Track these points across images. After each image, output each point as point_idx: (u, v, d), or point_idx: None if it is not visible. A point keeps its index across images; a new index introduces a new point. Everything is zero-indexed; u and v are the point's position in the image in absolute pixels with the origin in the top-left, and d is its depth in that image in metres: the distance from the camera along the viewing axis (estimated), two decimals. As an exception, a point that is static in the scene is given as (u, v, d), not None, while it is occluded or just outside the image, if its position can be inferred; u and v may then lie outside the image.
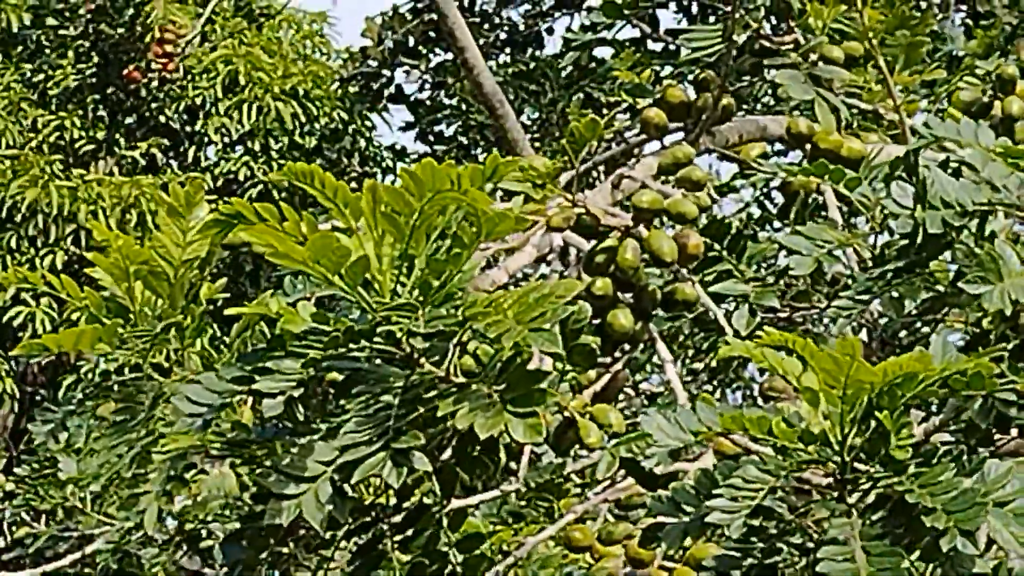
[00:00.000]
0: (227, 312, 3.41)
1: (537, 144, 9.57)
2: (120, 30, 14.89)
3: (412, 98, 11.48)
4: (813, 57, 4.23)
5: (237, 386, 3.10)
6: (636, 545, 3.66)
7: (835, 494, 3.08)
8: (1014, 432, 3.84)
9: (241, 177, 15.29)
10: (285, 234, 3.05)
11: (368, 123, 14.79)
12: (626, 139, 4.26)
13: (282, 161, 15.00)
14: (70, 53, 15.45)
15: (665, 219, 3.57)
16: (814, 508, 3.10)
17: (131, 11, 14.82)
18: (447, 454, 3.26)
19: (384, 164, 15.41)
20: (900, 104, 4.54)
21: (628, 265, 3.51)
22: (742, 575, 3.05)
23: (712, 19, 4.10)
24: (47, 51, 15.53)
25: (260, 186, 15.19)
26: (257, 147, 15.34)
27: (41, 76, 15.67)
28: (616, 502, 3.84)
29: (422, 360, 3.10)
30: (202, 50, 15.10)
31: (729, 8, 3.94)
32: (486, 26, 10.92)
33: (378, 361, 3.14)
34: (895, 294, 3.90)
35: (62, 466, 7.75)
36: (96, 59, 15.40)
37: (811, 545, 3.06)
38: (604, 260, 3.54)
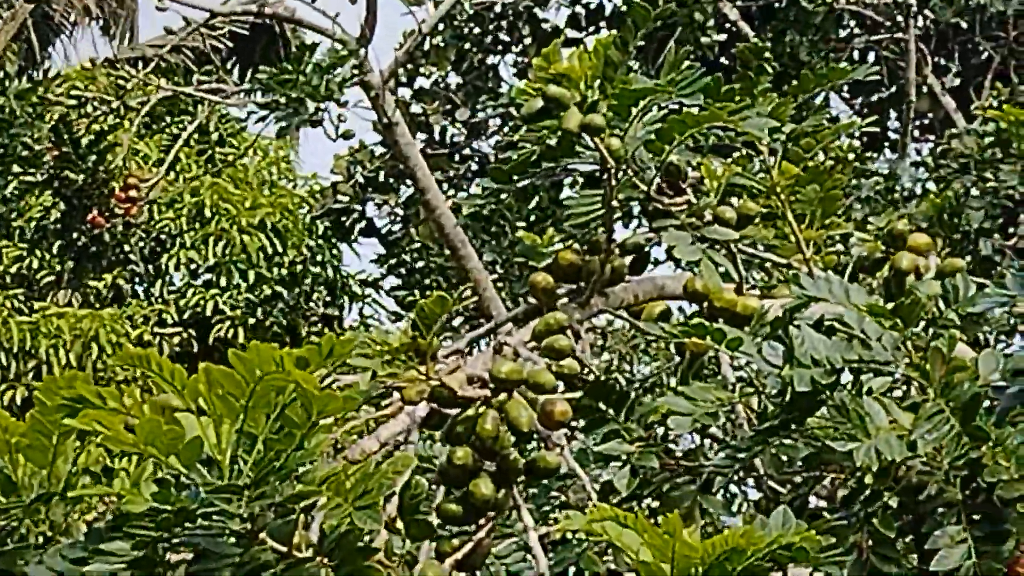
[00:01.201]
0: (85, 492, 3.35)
1: (499, 284, 9.49)
2: (83, 176, 14.96)
3: (383, 231, 11.46)
4: (708, 217, 4.15)
5: (75, 566, 3.05)
6: None
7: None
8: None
9: (208, 311, 15.20)
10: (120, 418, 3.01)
11: (336, 251, 14.65)
12: (527, 301, 4.19)
13: (248, 296, 14.96)
14: (33, 199, 15.57)
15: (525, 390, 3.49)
16: None
17: (94, 157, 14.89)
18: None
19: (351, 292, 15.29)
20: (808, 258, 4.47)
21: (487, 435, 3.45)
22: None
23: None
24: (14, 194, 15.63)
25: (228, 322, 15.12)
26: (223, 281, 15.17)
27: (4, 209, 15.76)
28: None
29: (262, 536, 3.04)
30: (168, 179, 15.00)
31: (606, 176, 3.88)
32: (456, 158, 10.94)
33: (221, 538, 3.07)
34: (774, 451, 3.82)
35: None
36: (60, 204, 15.48)
37: None
38: (464, 430, 3.48)
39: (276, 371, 2.96)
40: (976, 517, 3.46)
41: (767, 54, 4.59)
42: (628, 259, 4.17)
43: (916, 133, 10.51)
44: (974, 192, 7.68)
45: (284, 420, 3.03)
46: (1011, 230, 7.77)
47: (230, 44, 19.35)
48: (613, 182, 3.88)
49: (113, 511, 3.35)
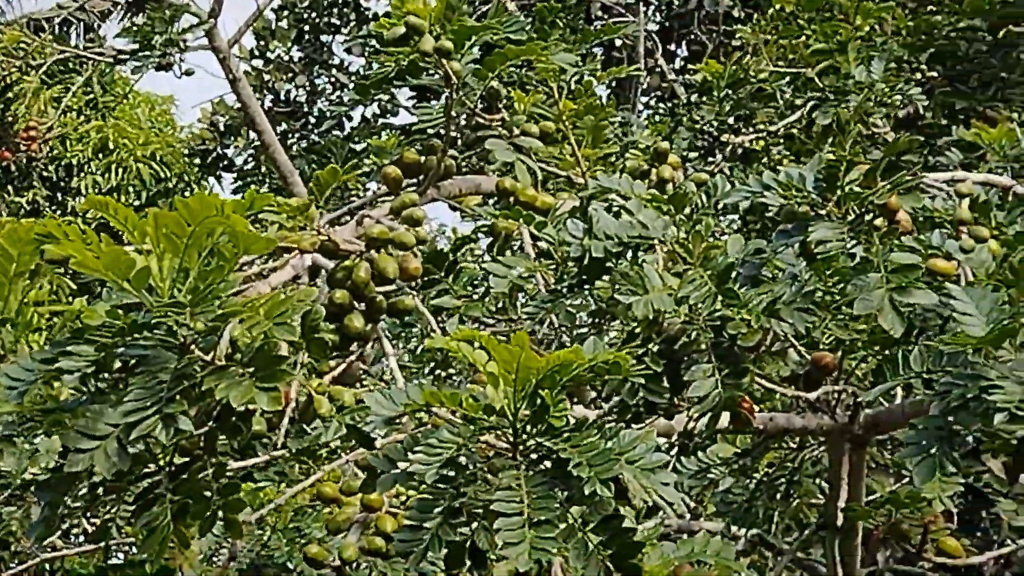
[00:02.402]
0: (49, 310, 3.38)
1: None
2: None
3: (239, 166, 11.66)
4: (516, 132, 4.29)
5: (45, 366, 3.08)
6: (369, 495, 3.68)
7: (510, 453, 3.12)
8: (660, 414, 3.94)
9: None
10: (87, 250, 3.03)
11: (206, 181, 14.86)
12: (374, 191, 4.29)
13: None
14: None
15: (391, 247, 3.59)
16: (495, 463, 3.14)
17: (1, 106, 14.88)
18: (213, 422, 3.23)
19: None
20: (585, 171, 4.65)
21: (361, 281, 3.53)
22: (436, 514, 3.08)
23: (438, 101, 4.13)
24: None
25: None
26: (123, 199, 15.40)
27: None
28: (356, 462, 3.87)
29: (193, 347, 3.10)
30: (78, 121, 15.30)
31: (448, 92, 3.98)
32: (297, 114, 11.16)
33: (159, 348, 3.12)
34: (569, 308, 3.97)
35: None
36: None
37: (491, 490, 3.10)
38: (343, 277, 3.56)
39: (214, 215, 3.02)
40: (722, 359, 3.61)
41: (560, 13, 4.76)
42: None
43: (650, 101, 11.06)
44: (683, 127, 8.01)
45: (215, 256, 3.10)
46: (709, 159, 8.09)
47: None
48: (454, 97, 4.00)
49: (71, 326, 3.38)
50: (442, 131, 4.05)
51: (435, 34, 3.96)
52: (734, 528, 5.60)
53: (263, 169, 10.60)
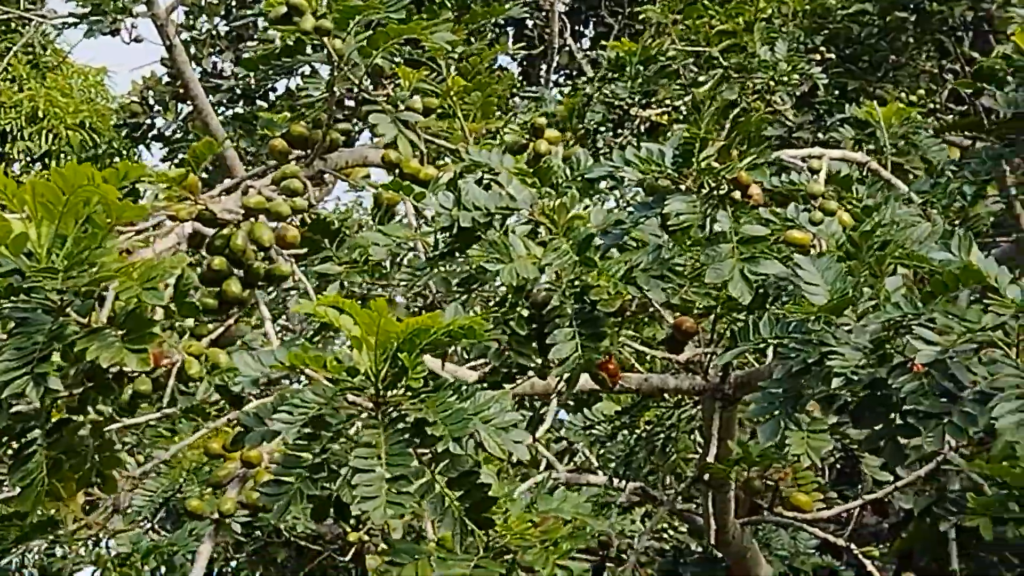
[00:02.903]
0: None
1: (251, 167, 9.66)
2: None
3: (168, 136, 11.59)
4: (401, 107, 4.27)
5: (-76, 328, 3.05)
6: (247, 450, 3.66)
7: (372, 412, 3.12)
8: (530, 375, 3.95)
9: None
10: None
11: (135, 151, 14.77)
12: (264, 162, 4.26)
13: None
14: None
15: (268, 216, 3.57)
16: (357, 421, 3.13)
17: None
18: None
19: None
20: (471, 144, 4.63)
21: (238, 248, 3.52)
22: (299, 469, 3.07)
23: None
24: None
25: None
26: (54, 164, 15.29)
27: None
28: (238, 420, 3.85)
29: (69, 310, 3.07)
30: (12, 89, 15.18)
31: (331, 70, 3.96)
32: (224, 85, 11.09)
33: (37, 311, 3.09)
34: (445, 275, 3.96)
35: None
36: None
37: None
38: (221, 244, 3.55)
39: (87, 184, 2.99)
40: (583, 323, 3.60)
41: (450, -6, 4.75)
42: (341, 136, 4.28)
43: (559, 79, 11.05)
44: (595, 101, 8.01)
45: (90, 224, 3.07)
46: (618, 130, 8.10)
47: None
48: (336, 74, 3.97)
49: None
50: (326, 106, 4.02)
51: (317, 13, 3.93)
52: (617, 481, 5.65)
53: (191, 137, 10.52)
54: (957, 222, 4.59)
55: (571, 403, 6.26)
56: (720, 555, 6.03)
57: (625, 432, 5.48)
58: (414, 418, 3.06)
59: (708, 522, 5.07)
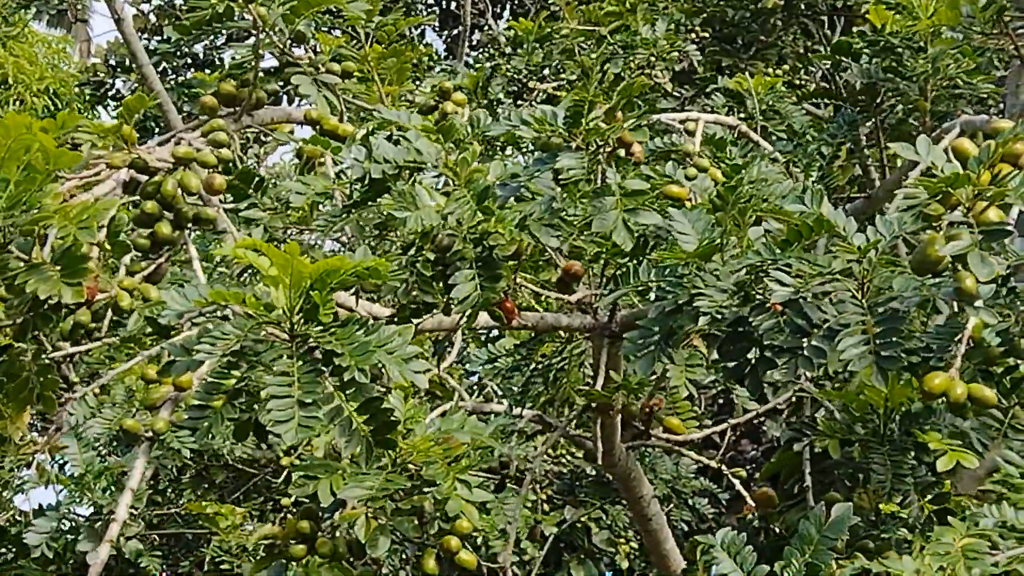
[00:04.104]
0: None
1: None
2: None
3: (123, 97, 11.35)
4: (321, 69, 4.15)
5: None
6: (177, 377, 3.54)
7: (287, 344, 3.03)
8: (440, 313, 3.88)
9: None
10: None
11: (95, 112, 14.43)
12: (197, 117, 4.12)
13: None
14: None
15: (196, 164, 3.45)
16: (274, 352, 3.04)
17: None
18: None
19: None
20: (387, 105, 4.52)
21: (168, 194, 3.40)
22: (220, 395, 2.98)
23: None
24: None
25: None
26: None
27: None
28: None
29: (11, 247, 2.95)
30: None
31: (255, 35, 3.83)
32: (177, 54, 10.83)
33: (-20, 250, 2.96)
34: (358, 220, 3.86)
35: None
36: None
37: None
38: (152, 190, 3.43)
39: (27, 133, 2.86)
40: (481, 265, 3.56)
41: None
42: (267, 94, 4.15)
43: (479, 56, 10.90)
44: (497, 74, 7.93)
45: (29, 169, 2.94)
46: (518, 102, 8.02)
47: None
48: (261, 38, 3.85)
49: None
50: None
51: (245, -18, 3.79)
52: (517, 409, 5.60)
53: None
54: (814, 179, 4.56)
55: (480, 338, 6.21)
56: (609, 476, 6.02)
57: (523, 365, 5.42)
58: (324, 350, 2.97)
59: (596, 445, 5.03)
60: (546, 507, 7.45)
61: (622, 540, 7.49)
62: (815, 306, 3.12)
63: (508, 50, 8.48)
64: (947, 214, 2.80)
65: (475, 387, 6.89)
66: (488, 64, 7.81)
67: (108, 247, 3.07)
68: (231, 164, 3.64)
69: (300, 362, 2.95)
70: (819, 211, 3.20)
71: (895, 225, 3.11)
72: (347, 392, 2.97)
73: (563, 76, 8.56)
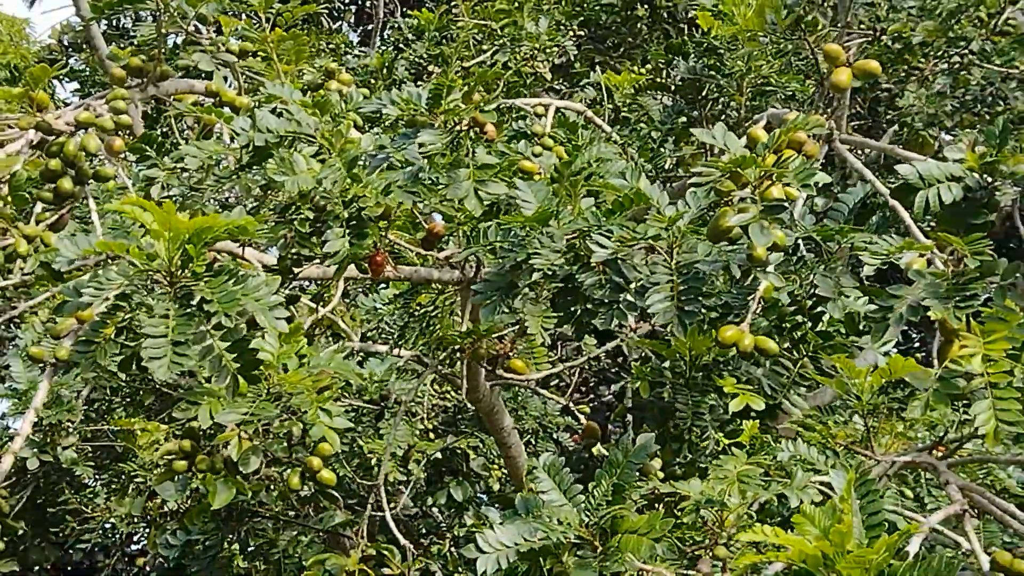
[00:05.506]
0: None
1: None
2: None
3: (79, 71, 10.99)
4: (222, 48, 4.02)
5: None
6: (81, 312, 3.42)
7: (167, 289, 2.93)
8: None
9: None
10: None
11: (51, 89, 13.96)
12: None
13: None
14: None
15: (95, 129, 3.32)
16: (154, 297, 2.94)
17: None
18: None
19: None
20: (284, 82, 4.39)
21: (70, 153, 3.27)
22: (105, 332, 2.87)
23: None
24: None
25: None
26: None
27: None
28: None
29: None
30: None
31: (161, 11, 3.69)
32: (127, 35, 10.52)
33: None
34: (245, 182, 3.75)
35: None
36: None
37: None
38: (56, 149, 3.29)
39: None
40: (351, 225, 3.45)
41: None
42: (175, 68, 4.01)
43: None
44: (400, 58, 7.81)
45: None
46: (418, 83, 7.90)
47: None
48: (164, 19, 3.70)
49: None
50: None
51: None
52: (397, 350, 5.54)
53: (97, 76, 10.01)
54: (645, 160, 4.53)
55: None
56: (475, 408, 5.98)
57: (401, 311, 5.35)
58: (199, 297, 2.88)
59: (462, 383, 5.01)
60: (431, 435, 7.41)
61: (495, 466, 7.49)
62: (631, 266, 3.10)
63: (411, 36, 8.35)
64: (737, 191, 2.78)
65: (374, 331, 6.81)
66: (392, 50, 7.67)
67: (10, 199, 2.93)
68: (131, 128, 3.50)
69: (177, 305, 2.86)
70: (637, 186, 3.17)
71: (700, 199, 3.10)
72: (218, 333, 2.89)
73: (459, 63, 8.45)
